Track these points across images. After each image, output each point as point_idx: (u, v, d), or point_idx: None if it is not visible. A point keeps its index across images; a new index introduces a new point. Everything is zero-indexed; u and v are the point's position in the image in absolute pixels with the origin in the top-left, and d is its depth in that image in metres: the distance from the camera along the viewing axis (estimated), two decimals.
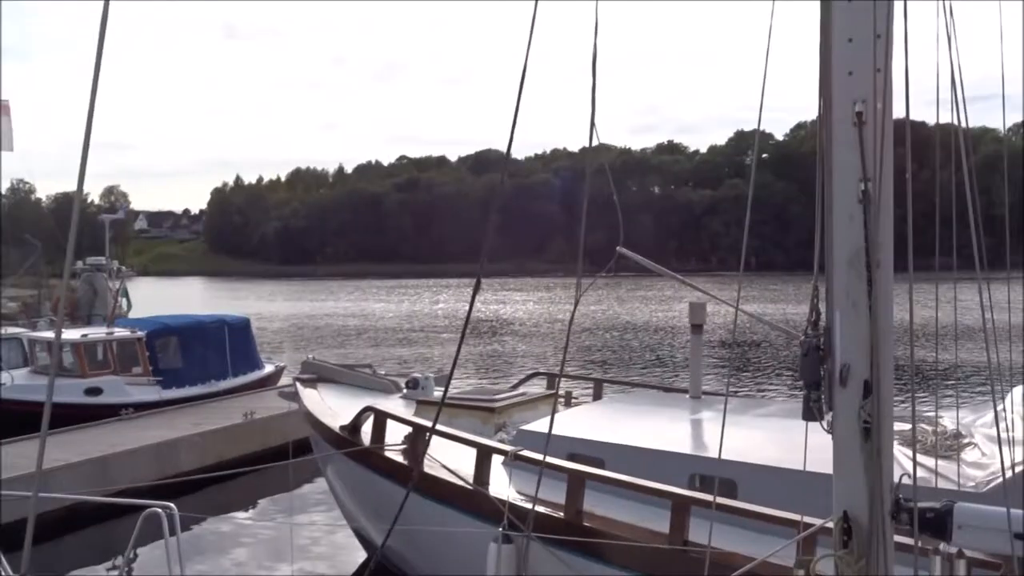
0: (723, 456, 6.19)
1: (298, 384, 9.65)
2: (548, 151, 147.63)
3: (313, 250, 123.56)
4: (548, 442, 5.28)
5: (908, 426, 6.69)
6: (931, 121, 3.47)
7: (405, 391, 9.58)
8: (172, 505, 4.91)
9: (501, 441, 7.46)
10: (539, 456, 6.09)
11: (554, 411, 6.32)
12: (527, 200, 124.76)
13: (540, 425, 7.31)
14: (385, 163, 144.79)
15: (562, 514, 5.86)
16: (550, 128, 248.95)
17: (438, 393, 9.43)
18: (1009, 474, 5.10)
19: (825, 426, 2.70)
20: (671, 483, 5.80)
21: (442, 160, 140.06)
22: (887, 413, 2.62)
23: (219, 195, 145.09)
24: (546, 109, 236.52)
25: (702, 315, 8.56)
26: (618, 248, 3.44)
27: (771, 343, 25.76)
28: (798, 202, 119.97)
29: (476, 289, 3.29)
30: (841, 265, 2.63)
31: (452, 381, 9.41)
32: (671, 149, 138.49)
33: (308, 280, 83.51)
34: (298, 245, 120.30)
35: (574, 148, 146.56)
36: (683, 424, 7.45)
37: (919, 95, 2.80)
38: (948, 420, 6.90)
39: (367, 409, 7.53)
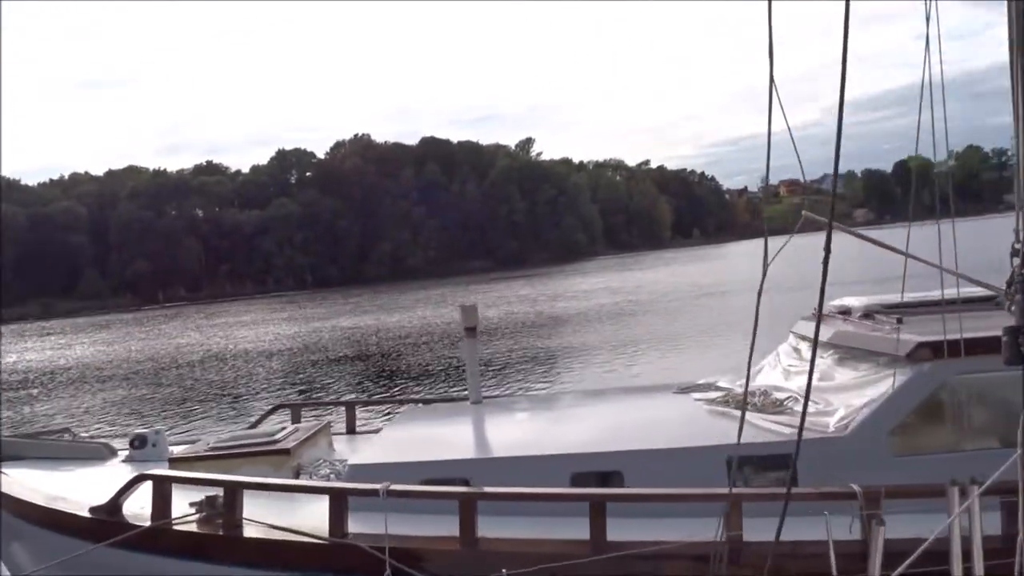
0: (602, 449, 5.88)
1: None
2: (67, 176, 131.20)
3: None
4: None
5: (716, 393, 7.04)
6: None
7: (130, 452, 7.49)
8: None
9: None
10: (414, 487, 5.24)
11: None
12: (48, 232, 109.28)
13: (374, 455, 6.23)
14: None
15: (457, 546, 4.98)
16: (65, 150, 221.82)
17: (175, 449, 7.58)
18: (866, 413, 5.55)
19: None
20: (554, 486, 5.30)
21: None
22: None
23: None
24: (55, 127, 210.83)
25: (474, 317, 8.06)
26: (804, 212, 2.99)
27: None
28: (346, 217, 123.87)
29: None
30: None
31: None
32: (210, 170, 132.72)
33: None
34: None
35: (98, 171, 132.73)
36: (524, 427, 6.88)
37: None
38: (725, 383, 7.37)
39: (140, 477, 5.67)
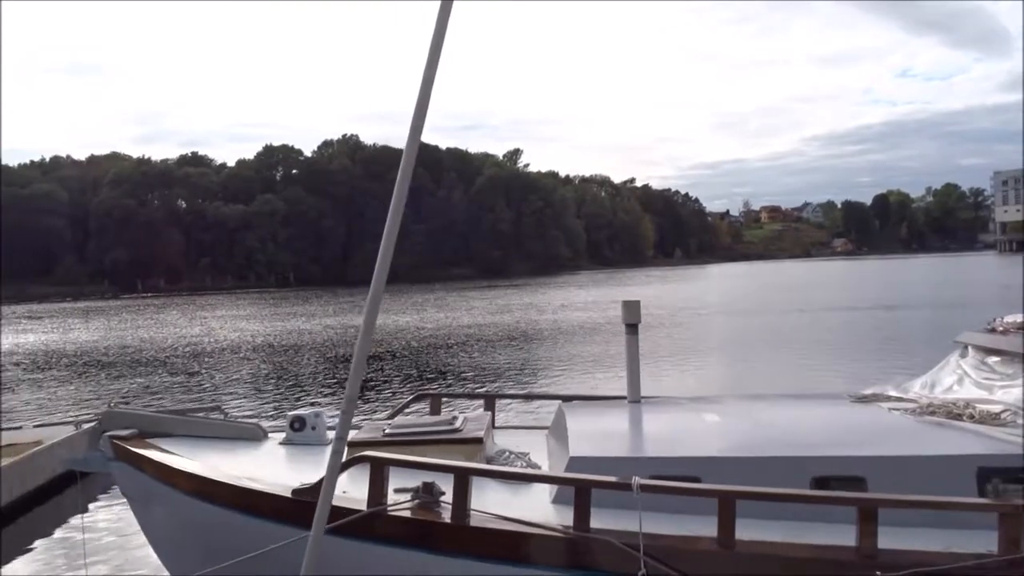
0: (844, 452, 5.75)
1: (120, 443, 6.60)
2: (47, 158, 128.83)
3: None
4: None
5: (907, 404, 6.96)
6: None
7: (289, 434, 7.19)
8: None
9: None
10: (668, 483, 5.05)
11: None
12: (26, 215, 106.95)
13: (598, 448, 5.98)
14: None
15: (716, 546, 4.79)
16: (47, 133, 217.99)
17: (332, 433, 7.29)
18: None
19: None
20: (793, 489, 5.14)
21: None
22: None
23: None
24: (39, 110, 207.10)
25: (637, 313, 7.90)
26: None
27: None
28: (331, 217, 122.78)
29: None
30: None
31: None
32: (195, 161, 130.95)
33: None
34: None
35: (80, 156, 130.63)
36: (729, 427, 6.68)
37: None
38: (896, 392, 7.32)
39: (357, 459, 5.41)
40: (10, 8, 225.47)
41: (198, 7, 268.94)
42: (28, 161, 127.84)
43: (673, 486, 5.01)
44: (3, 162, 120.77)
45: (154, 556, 6.90)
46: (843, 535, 4.63)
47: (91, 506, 9.73)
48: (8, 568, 8.14)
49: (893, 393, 7.42)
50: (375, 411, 15.21)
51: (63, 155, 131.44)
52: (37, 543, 8.76)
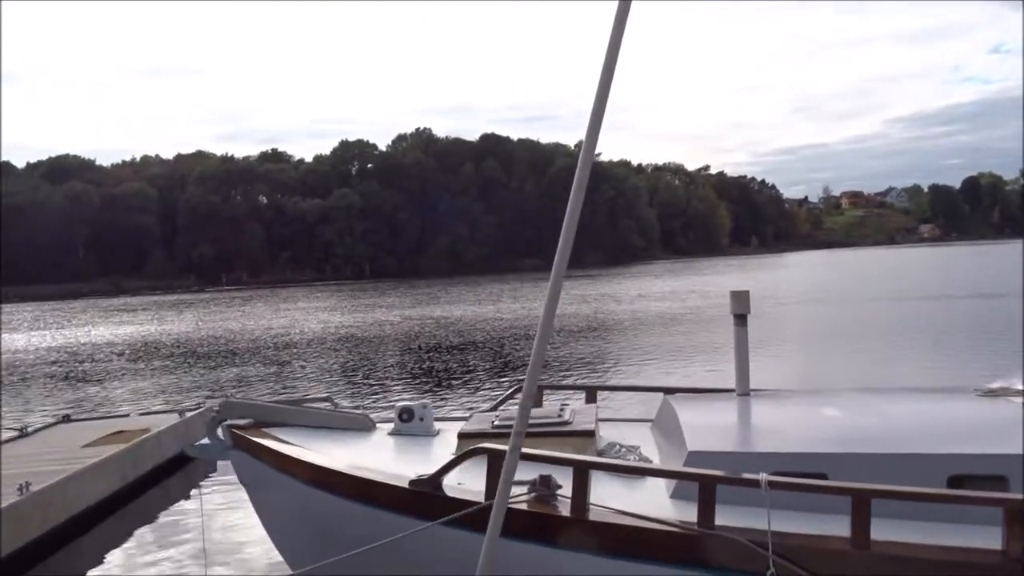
0: (983, 450, 5.47)
1: (240, 432, 6.79)
2: (138, 158, 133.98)
3: None
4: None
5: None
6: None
7: (397, 425, 7.25)
8: None
9: None
10: (797, 480, 4.84)
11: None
12: (119, 212, 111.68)
13: (716, 442, 5.84)
14: None
15: (847, 547, 4.61)
16: (135, 134, 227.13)
17: (438, 425, 7.35)
18: None
19: None
20: (927, 488, 4.89)
21: (6, 167, 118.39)
22: None
23: None
24: (129, 111, 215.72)
25: (746, 303, 7.68)
26: None
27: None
28: (406, 209, 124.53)
29: None
30: None
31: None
32: (275, 158, 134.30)
33: None
34: None
35: (168, 155, 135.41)
36: (853, 421, 6.45)
37: None
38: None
39: (476, 450, 5.38)
40: (106, 11, 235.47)
41: (277, 7, 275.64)
42: (120, 161, 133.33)
43: (803, 483, 4.85)
44: (97, 162, 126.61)
45: (263, 536, 7.08)
46: (978, 537, 4.40)
47: (199, 490, 10.11)
48: (131, 543, 8.53)
49: (1019, 386, 7.06)
50: (462, 399, 15.38)
51: (152, 154, 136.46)
52: (154, 522, 9.17)
